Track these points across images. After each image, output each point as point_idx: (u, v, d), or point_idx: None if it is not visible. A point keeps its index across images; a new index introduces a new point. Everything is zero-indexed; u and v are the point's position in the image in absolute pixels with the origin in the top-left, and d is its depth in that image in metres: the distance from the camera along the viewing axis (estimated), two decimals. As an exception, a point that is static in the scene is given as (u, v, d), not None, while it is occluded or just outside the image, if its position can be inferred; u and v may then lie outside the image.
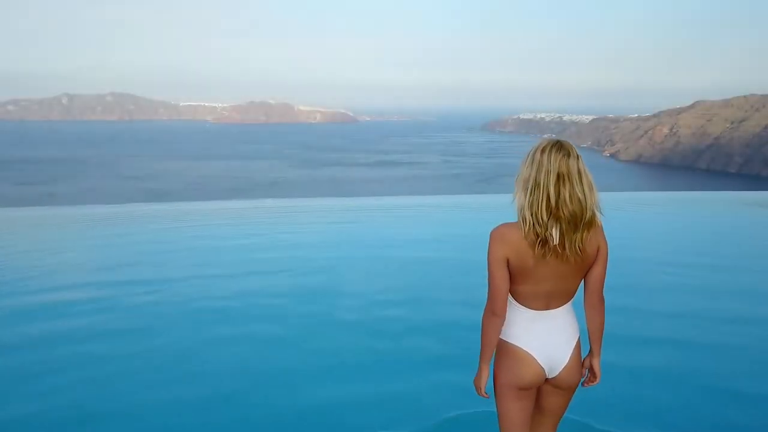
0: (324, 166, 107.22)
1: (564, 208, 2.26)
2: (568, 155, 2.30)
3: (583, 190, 2.29)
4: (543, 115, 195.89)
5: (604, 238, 2.45)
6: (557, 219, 2.27)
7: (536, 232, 2.28)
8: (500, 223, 2.39)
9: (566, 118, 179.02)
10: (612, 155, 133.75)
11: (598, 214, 2.34)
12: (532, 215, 2.28)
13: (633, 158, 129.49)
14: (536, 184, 2.28)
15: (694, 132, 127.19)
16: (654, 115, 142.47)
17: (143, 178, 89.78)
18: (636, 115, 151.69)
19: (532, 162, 2.33)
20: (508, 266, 2.35)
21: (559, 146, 2.33)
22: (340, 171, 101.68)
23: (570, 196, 2.26)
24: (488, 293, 2.40)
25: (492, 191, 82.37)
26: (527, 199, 2.30)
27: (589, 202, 2.29)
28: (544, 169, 2.28)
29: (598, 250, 2.42)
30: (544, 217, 2.26)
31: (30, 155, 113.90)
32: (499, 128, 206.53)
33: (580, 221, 2.29)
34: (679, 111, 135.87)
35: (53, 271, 7.93)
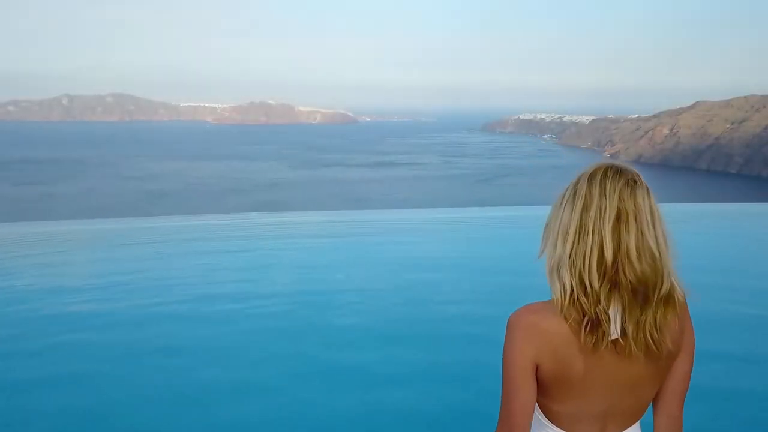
0: (324, 167, 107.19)
1: (628, 268, 1.44)
2: (635, 184, 1.49)
3: (657, 241, 1.47)
4: (543, 116, 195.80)
5: (691, 321, 1.62)
6: (616, 286, 1.45)
7: (581, 308, 1.45)
8: (525, 304, 1.55)
9: (566, 118, 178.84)
10: (612, 156, 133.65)
11: (676, 283, 1.52)
12: (574, 278, 1.47)
13: (633, 159, 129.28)
14: (582, 229, 1.48)
15: (695, 132, 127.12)
16: (654, 116, 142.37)
17: (143, 178, 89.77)
18: (636, 115, 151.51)
19: (574, 195, 1.53)
20: (537, 373, 1.52)
21: (618, 171, 1.52)
22: (341, 171, 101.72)
23: (638, 247, 1.45)
24: (501, 413, 1.54)
25: (492, 192, 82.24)
26: (567, 252, 1.49)
27: (665, 260, 1.48)
28: (594, 205, 1.48)
29: (683, 340, 1.58)
30: (595, 282, 1.45)
31: (30, 155, 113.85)
32: (500, 129, 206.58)
33: (653, 292, 1.46)
34: (680, 111, 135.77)
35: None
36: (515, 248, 8.78)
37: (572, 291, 1.46)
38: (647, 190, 1.50)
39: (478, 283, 7.17)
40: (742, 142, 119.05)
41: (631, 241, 1.44)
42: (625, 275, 1.43)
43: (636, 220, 1.45)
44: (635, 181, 1.49)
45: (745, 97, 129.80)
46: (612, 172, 1.50)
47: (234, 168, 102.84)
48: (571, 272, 1.47)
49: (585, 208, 1.48)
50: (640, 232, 1.45)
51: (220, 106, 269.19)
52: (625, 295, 1.44)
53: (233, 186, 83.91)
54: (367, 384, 4.52)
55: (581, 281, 1.45)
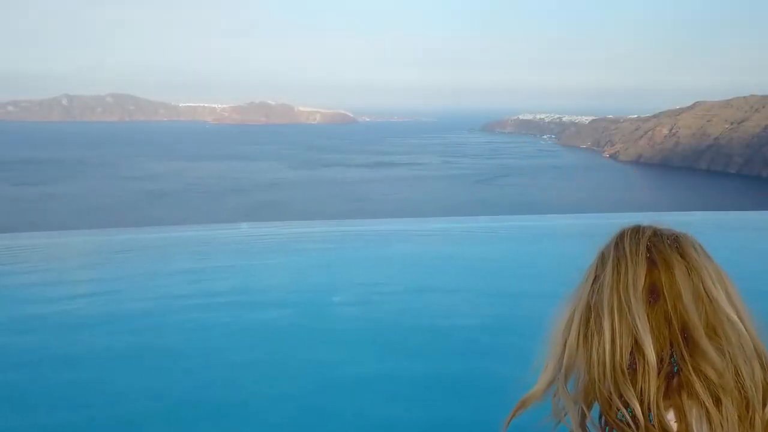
0: (324, 167, 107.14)
1: (696, 358, 0.86)
2: (677, 241, 0.96)
3: (736, 308, 0.90)
4: (543, 116, 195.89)
5: None
6: (681, 391, 0.87)
7: None
8: None
9: (566, 118, 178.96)
10: (612, 156, 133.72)
11: None
12: (590, 395, 0.91)
13: (633, 159, 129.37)
14: (593, 314, 0.92)
15: (694, 132, 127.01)
16: (654, 116, 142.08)
17: (143, 178, 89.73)
18: (635, 115, 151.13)
19: (583, 280, 1.01)
20: None
21: (641, 228, 1.01)
22: (341, 171, 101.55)
23: (708, 319, 0.88)
24: None
25: (492, 192, 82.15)
26: (570, 358, 0.95)
27: (756, 341, 0.90)
28: (609, 269, 0.95)
29: None
30: (628, 393, 0.85)
31: (30, 156, 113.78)
32: (499, 129, 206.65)
33: (760, 394, 0.86)
34: (679, 112, 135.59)
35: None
36: (521, 259, 8.37)
37: (596, 420, 0.93)
38: (698, 242, 0.98)
39: (479, 295, 6.87)
40: (741, 142, 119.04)
41: (690, 310, 0.88)
42: (693, 370, 0.86)
43: (690, 275, 0.91)
44: (678, 240, 0.96)
45: (744, 97, 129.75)
46: (631, 229, 1.01)
47: (234, 168, 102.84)
48: (584, 390, 0.93)
49: (596, 281, 0.97)
50: (706, 294, 0.89)
51: (219, 106, 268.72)
52: (704, 404, 0.85)
53: (233, 186, 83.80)
54: (365, 396, 4.42)
55: (605, 398, 0.89)
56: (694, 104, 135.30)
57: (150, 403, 4.29)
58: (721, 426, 0.83)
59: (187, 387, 4.56)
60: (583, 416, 0.91)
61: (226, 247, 10.57)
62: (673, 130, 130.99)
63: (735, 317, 0.87)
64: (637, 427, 0.84)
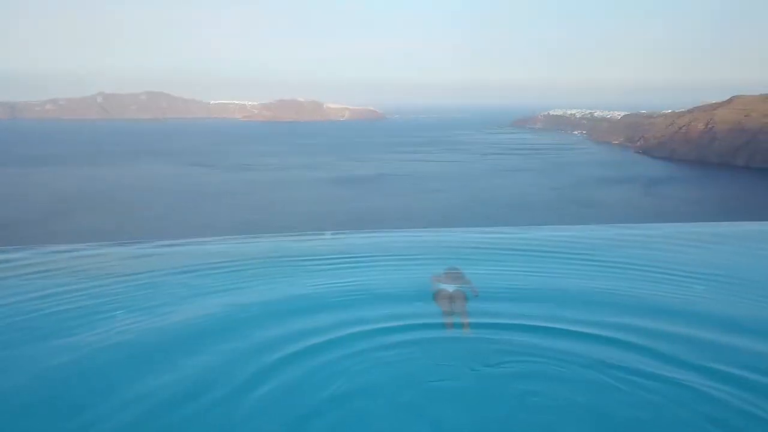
0: (354, 161, 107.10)
1: None
2: None
3: None
4: (573, 112, 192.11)
5: None
6: None
7: None
8: None
9: (597, 114, 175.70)
10: (645, 151, 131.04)
11: None
12: None
13: (667, 155, 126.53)
14: None
15: (731, 128, 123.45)
16: (689, 111, 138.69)
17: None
18: (670, 110, 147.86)
19: None
20: None
21: None
22: (362, 167, 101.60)
23: None
24: None
25: (503, 186, 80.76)
26: None
27: None
28: None
29: None
30: None
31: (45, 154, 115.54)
32: (529, 125, 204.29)
33: None
34: (715, 107, 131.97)
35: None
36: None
37: None
38: None
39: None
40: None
41: None
42: None
43: None
44: None
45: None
46: None
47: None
48: None
49: None
50: None
51: (249, 103, 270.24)
52: None
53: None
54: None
55: None
56: (731, 99, 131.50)
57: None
58: None
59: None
60: None
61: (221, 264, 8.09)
62: (709, 125, 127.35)
63: None
64: None
